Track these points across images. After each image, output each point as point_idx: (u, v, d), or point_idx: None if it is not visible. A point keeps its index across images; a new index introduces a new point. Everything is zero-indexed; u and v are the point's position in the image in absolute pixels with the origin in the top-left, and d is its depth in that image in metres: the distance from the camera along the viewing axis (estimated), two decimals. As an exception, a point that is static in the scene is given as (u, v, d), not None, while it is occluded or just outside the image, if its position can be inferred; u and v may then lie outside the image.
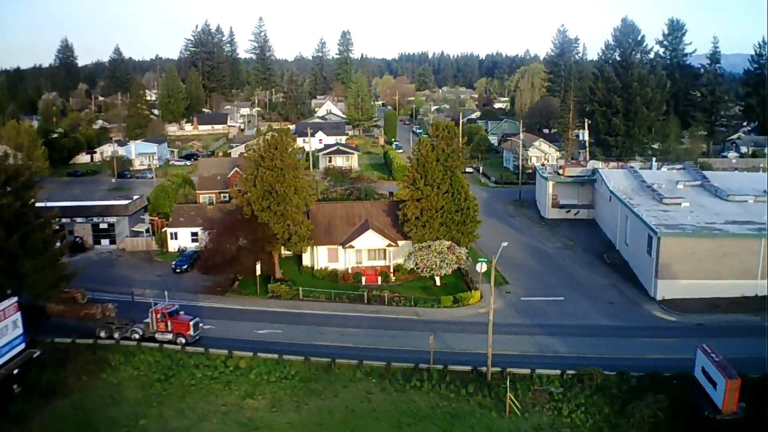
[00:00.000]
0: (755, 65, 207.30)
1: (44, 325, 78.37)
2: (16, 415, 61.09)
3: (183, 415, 63.12)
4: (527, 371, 68.78)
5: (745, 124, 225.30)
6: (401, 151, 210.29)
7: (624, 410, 61.65)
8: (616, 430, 60.01)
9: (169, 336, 77.52)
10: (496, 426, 61.26)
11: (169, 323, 77.85)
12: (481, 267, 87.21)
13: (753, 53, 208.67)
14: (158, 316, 77.85)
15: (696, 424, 59.25)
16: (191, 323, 78.11)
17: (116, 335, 77.92)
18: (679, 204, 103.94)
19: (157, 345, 75.94)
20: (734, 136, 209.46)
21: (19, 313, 66.28)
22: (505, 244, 71.87)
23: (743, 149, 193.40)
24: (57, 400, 64.76)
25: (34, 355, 68.39)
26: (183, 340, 76.98)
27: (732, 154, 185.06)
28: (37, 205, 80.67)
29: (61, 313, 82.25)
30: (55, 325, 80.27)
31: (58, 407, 63.79)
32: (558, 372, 68.49)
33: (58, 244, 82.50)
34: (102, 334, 78.23)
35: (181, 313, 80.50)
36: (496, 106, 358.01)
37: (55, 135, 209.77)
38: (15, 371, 64.96)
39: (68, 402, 64.78)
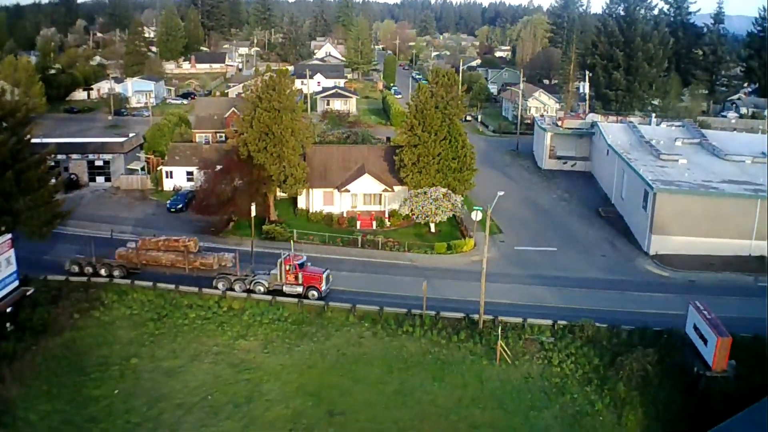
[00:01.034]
0: (758, 28, 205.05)
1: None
2: (6, 353, 61.23)
3: (175, 355, 63.62)
4: (519, 320, 68.99)
5: (745, 85, 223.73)
6: (400, 96, 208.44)
7: (613, 363, 62.04)
8: (605, 382, 60.52)
9: (299, 289, 74.12)
10: (487, 373, 61.88)
11: (299, 275, 74.28)
12: (477, 215, 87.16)
13: (757, 16, 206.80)
14: (287, 267, 74.41)
15: (685, 380, 59.61)
16: (324, 275, 74.49)
17: (237, 287, 75.23)
18: (677, 161, 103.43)
19: (150, 285, 75.54)
20: (734, 97, 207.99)
21: (12, 250, 65.86)
22: (501, 193, 71.69)
23: (743, 110, 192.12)
24: (48, 338, 64.97)
25: (27, 293, 68.42)
26: (315, 294, 73.71)
27: (731, 115, 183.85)
28: (33, 141, 79.89)
29: (173, 263, 78.43)
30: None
31: (50, 346, 64.09)
32: (549, 322, 68.70)
33: (53, 181, 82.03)
34: (220, 285, 75.36)
35: (309, 264, 77.09)
36: (497, 54, 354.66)
37: (53, 71, 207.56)
38: (8, 309, 64.93)
39: (60, 341, 65.07)
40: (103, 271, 78.14)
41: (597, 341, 65.75)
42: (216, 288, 75.01)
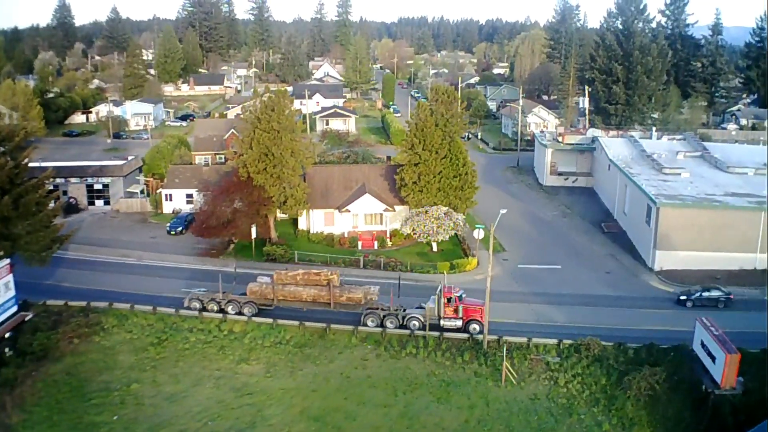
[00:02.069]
0: (756, 38, 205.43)
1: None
2: (7, 380, 60.44)
3: (176, 380, 62.69)
4: (524, 340, 68.27)
5: (744, 96, 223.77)
6: (399, 114, 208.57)
7: (621, 382, 61.30)
8: (612, 402, 59.67)
9: (458, 323, 70.12)
10: (492, 395, 60.95)
11: (459, 308, 70.33)
12: (479, 233, 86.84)
13: (755, 26, 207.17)
14: (446, 299, 70.11)
15: (694, 398, 58.82)
16: (484, 307, 69.26)
17: (389, 324, 70.81)
18: (679, 174, 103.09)
19: (150, 309, 74.70)
20: (734, 108, 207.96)
21: (11, 275, 65.26)
22: (503, 211, 71.19)
23: (743, 121, 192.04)
24: (49, 364, 64.20)
25: (27, 318, 67.63)
26: (477, 328, 69.70)
27: (731, 126, 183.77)
28: (32, 165, 79.31)
29: (315, 299, 72.96)
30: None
31: (51, 372, 63.29)
32: (555, 341, 68.00)
33: (51, 204, 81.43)
34: (369, 322, 71.33)
35: (465, 295, 72.34)
36: (495, 71, 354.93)
37: (51, 95, 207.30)
38: (7, 334, 64.21)
39: (60, 366, 64.25)
40: (230, 309, 74.04)
41: (603, 360, 64.97)
42: (365, 325, 71.20)
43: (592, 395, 60.90)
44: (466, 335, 69.46)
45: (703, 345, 60.58)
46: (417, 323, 70.58)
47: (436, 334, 69.42)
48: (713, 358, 58.29)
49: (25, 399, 59.22)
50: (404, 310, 71.78)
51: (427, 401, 60.09)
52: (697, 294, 79.68)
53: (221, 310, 74.10)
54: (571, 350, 66.62)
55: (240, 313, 73.64)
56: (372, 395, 60.78)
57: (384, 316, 71.08)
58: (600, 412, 58.82)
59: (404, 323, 70.95)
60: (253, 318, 72.84)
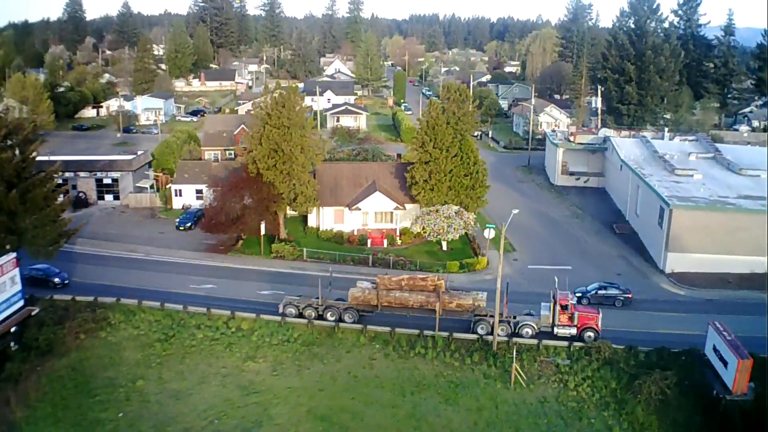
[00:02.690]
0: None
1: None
2: (11, 375, 60.25)
3: (182, 377, 62.28)
4: (534, 342, 67.67)
5: (756, 98, 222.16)
6: (410, 112, 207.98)
7: (631, 385, 60.57)
8: (623, 406, 58.98)
9: (573, 331, 68.17)
10: (501, 397, 60.32)
11: (575, 315, 68.41)
12: (489, 233, 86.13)
13: (766, 27, 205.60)
14: (561, 307, 68.08)
15: (705, 403, 58.28)
16: (600, 315, 68.62)
17: (500, 331, 67.94)
18: (691, 176, 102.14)
19: (158, 305, 74.21)
20: (746, 110, 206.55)
21: (17, 270, 64.95)
22: (515, 211, 70.42)
23: (755, 123, 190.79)
24: (54, 359, 63.96)
25: (33, 313, 67.38)
26: (592, 335, 67.97)
27: (743, 128, 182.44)
28: (41, 159, 79.01)
29: (422, 305, 70.34)
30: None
31: (55, 367, 63.03)
32: (565, 343, 67.32)
33: (60, 198, 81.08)
34: (480, 330, 68.94)
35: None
36: (507, 69, 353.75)
37: (61, 89, 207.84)
38: (12, 329, 63.89)
39: (65, 362, 63.96)
40: (329, 315, 71.84)
41: (614, 363, 64.32)
42: (475, 332, 69.16)
43: (602, 399, 60.21)
44: (475, 336, 68.72)
45: (715, 349, 60.07)
46: (530, 330, 68.80)
47: (445, 334, 68.70)
48: (725, 363, 57.82)
49: (29, 394, 59.00)
50: (514, 317, 69.68)
51: (435, 402, 59.49)
52: (593, 291, 79.72)
53: (320, 317, 72.01)
54: (582, 353, 65.94)
55: (341, 320, 71.59)
56: (379, 395, 60.22)
57: (493, 322, 67.88)
58: (610, 417, 58.15)
59: (516, 331, 68.88)
60: (262, 315, 72.17)
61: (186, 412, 57.69)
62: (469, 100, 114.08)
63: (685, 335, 68.18)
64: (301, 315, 71.96)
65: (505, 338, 68.11)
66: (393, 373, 63.56)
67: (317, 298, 72.59)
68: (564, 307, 68.07)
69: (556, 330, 68.58)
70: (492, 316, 68.17)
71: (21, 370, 61.46)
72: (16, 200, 68.79)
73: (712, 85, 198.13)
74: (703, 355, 62.22)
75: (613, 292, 79.52)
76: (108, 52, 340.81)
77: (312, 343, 68.25)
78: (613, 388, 61.37)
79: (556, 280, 71.48)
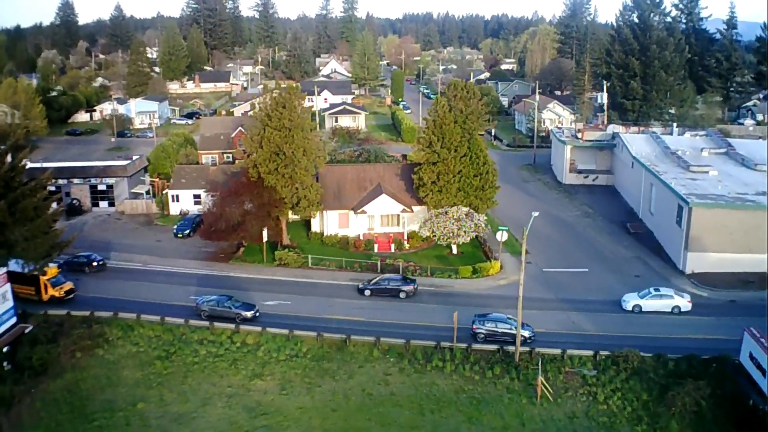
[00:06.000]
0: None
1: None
2: (4, 398, 56.69)
3: (185, 398, 58.68)
4: (558, 351, 64.08)
5: (758, 91, 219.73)
6: (409, 111, 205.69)
7: (663, 397, 57.31)
8: (656, 420, 55.70)
9: None
10: (527, 413, 56.76)
11: None
12: (502, 236, 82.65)
13: (766, 20, 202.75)
14: None
15: (741, 413, 55.14)
16: None
17: None
18: (707, 172, 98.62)
19: (158, 319, 70.61)
20: (749, 104, 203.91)
21: (8, 285, 61.59)
22: (536, 214, 68.02)
23: (759, 117, 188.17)
24: (48, 380, 60.62)
25: (26, 330, 64.04)
26: None
27: (749, 122, 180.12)
28: (33, 166, 75.36)
29: None
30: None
31: (50, 389, 59.70)
32: (591, 353, 63.80)
33: (53, 206, 77.20)
34: None
35: None
36: (504, 67, 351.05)
37: (54, 93, 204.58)
38: (4, 348, 60.60)
39: (61, 383, 60.59)
40: None
41: (643, 373, 60.96)
42: None
43: (634, 412, 56.88)
44: (494, 347, 64.99)
45: (752, 357, 56.85)
46: None
47: (463, 345, 65.02)
48: (763, 371, 54.56)
49: (22, 419, 55.80)
50: None
51: (457, 422, 55.87)
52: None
53: None
54: (609, 362, 62.50)
55: None
56: (397, 415, 56.57)
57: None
58: (643, 431, 54.71)
59: None
60: (267, 329, 68.45)
61: (190, 437, 54.17)
62: (476, 97, 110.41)
63: (713, 340, 65.49)
64: None
65: (528, 349, 64.59)
66: (410, 389, 59.92)
67: None
68: None
69: None
70: None
71: (14, 392, 58.11)
72: (5, 211, 64.66)
73: (714, 79, 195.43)
74: (735, 362, 59.29)
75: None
76: (101, 56, 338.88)
77: (322, 357, 64.63)
78: (645, 400, 58.07)
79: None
